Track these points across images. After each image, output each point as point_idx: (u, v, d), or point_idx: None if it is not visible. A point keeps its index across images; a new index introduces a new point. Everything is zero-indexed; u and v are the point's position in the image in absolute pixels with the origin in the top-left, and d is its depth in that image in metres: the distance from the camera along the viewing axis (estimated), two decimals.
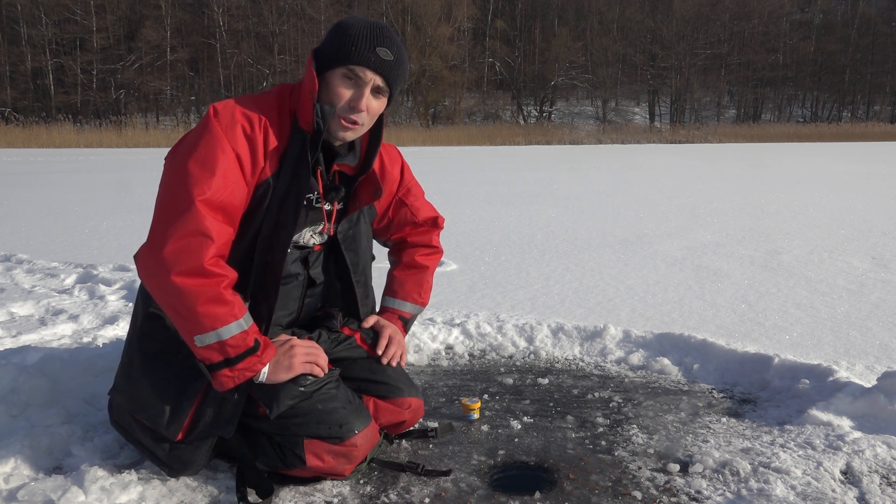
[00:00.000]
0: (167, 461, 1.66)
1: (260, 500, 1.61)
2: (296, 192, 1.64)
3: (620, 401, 2.26)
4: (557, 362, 2.67)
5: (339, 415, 1.66)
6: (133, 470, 1.71)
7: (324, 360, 1.71)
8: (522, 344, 2.83)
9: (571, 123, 43.66)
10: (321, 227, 1.80)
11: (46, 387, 2.07)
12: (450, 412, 2.16)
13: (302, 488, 1.68)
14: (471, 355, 2.75)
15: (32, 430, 1.84)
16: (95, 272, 4.18)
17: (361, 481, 1.72)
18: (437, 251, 2.11)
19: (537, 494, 1.66)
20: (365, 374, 1.87)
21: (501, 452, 1.88)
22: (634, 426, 2.06)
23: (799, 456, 1.83)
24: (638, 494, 1.66)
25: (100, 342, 2.73)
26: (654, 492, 1.68)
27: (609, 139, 34.40)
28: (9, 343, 2.78)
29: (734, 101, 50.03)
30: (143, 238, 1.56)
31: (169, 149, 1.63)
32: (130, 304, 3.46)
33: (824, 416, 2.03)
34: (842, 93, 48.79)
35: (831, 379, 2.26)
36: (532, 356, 2.74)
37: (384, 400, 1.86)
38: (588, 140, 34.31)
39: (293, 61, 42.27)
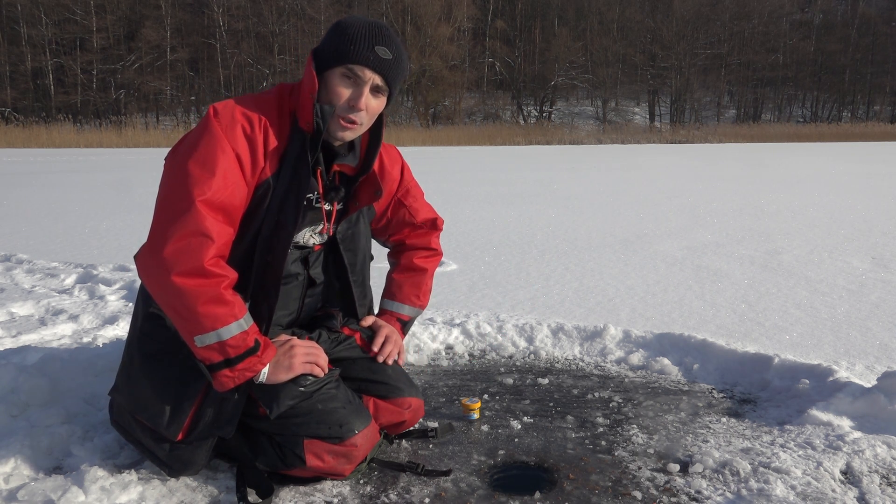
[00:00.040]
0: (167, 461, 1.66)
1: (260, 500, 1.61)
2: (296, 192, 1.64)
3: (620, 401, 2.26)
4: (557, 362, 2.67)
5: (339, 415, 1.66)
6: (133, 470, 1.71)
7: (324, 360, 1.71)
8: (522, 344, 2.83)
9: (571, 123, 43.66)
10: (321, 227, 1.80)
11: (46, 387, 2.07)
12: (450, 412, 2.16)
13: (302, 488, 1.68)
14: (471, 355, 2.75)
15: (32, 430, 1.84)
16: (95, 272, 4.18)
17: (361, 481, 1.72)
18: (436, 253, 2.11)
19: (537, 494, 1.66)
20: (365, 374, 1.87)
21: (501, 452, 1.88)
22: (634, 426, 2.06)
23: (799, 456, 1.83)
24: (638, 494, 1.66)
25: (100, 342, 2.73)
26: (654, 492, 1.68)
27: (609, 139, 34.39)
28: (9, 343, 2.78)
29: (734, 101, 50.02)
30: (143, 238, 1.56)
31: (169, 149, 1.63)
32: (130, 304, 3.46)
33: (824, 416, 2.03)
34: (842, 93, 48.79)
35: (831, 379, 2.26)
36: (532, 356, 2.74)
37: (384, 400, 1.86)
38: (588, 140, 34.31)
39: (293, 61, 42.27)
